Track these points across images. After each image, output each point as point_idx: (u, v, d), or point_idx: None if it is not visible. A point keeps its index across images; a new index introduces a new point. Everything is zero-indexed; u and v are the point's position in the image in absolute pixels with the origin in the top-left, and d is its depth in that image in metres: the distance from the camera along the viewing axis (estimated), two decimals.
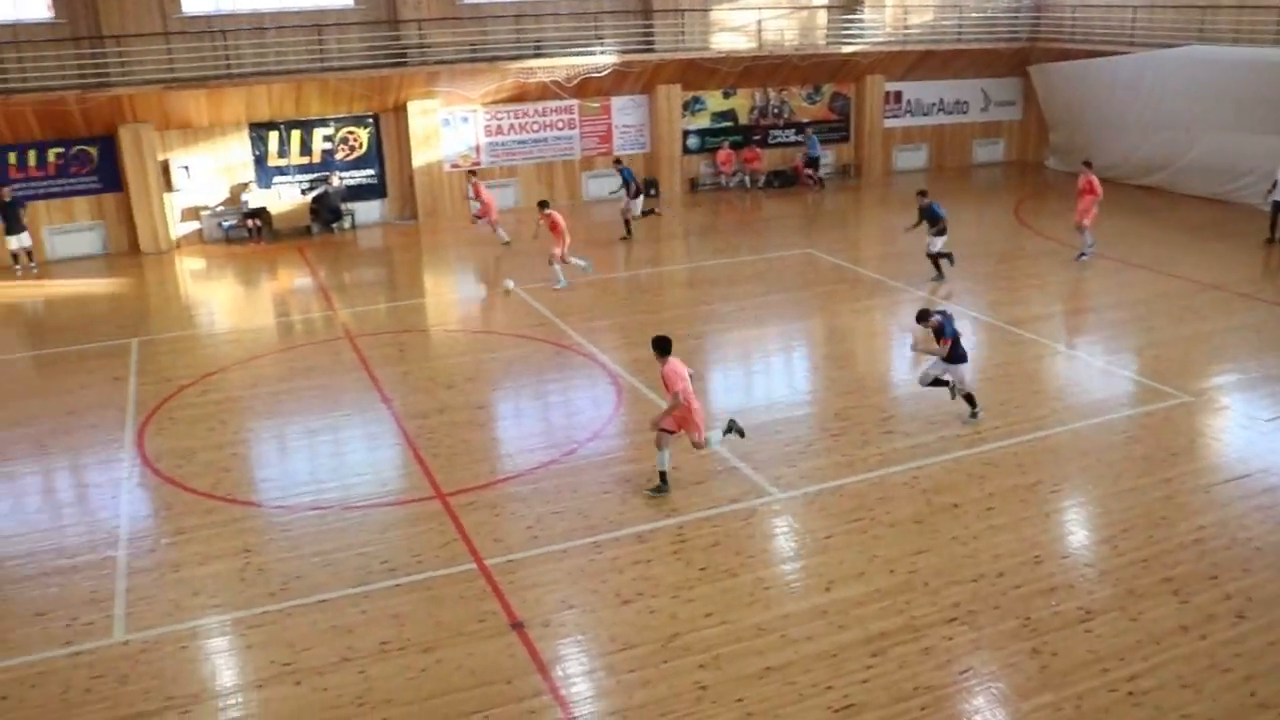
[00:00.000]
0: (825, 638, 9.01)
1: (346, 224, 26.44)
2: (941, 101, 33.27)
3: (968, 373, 13.68)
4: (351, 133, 26.72)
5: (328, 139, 26.48)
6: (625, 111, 29.45)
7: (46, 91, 22.89)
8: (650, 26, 28.22)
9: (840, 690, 8.30)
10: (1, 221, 23.11)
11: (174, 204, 25.40)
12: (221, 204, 25.70)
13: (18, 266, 23.42)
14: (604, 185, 29.27)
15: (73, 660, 9.16)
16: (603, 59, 27.36)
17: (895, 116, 32.74)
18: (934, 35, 31.72)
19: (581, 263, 20.60)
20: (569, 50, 27.37)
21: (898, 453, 12.66)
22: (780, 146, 31.54)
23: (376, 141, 27.07)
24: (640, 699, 8.29)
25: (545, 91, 27.61)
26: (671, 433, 11.53)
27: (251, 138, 25.80)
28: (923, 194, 19.88)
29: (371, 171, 27.16)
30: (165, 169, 24.95)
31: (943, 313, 13.47)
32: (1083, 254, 21.15)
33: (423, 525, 11.22)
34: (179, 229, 25.60)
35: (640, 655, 8.85)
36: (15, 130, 23.46)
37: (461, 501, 11.69)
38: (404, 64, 25.77)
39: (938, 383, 13.54)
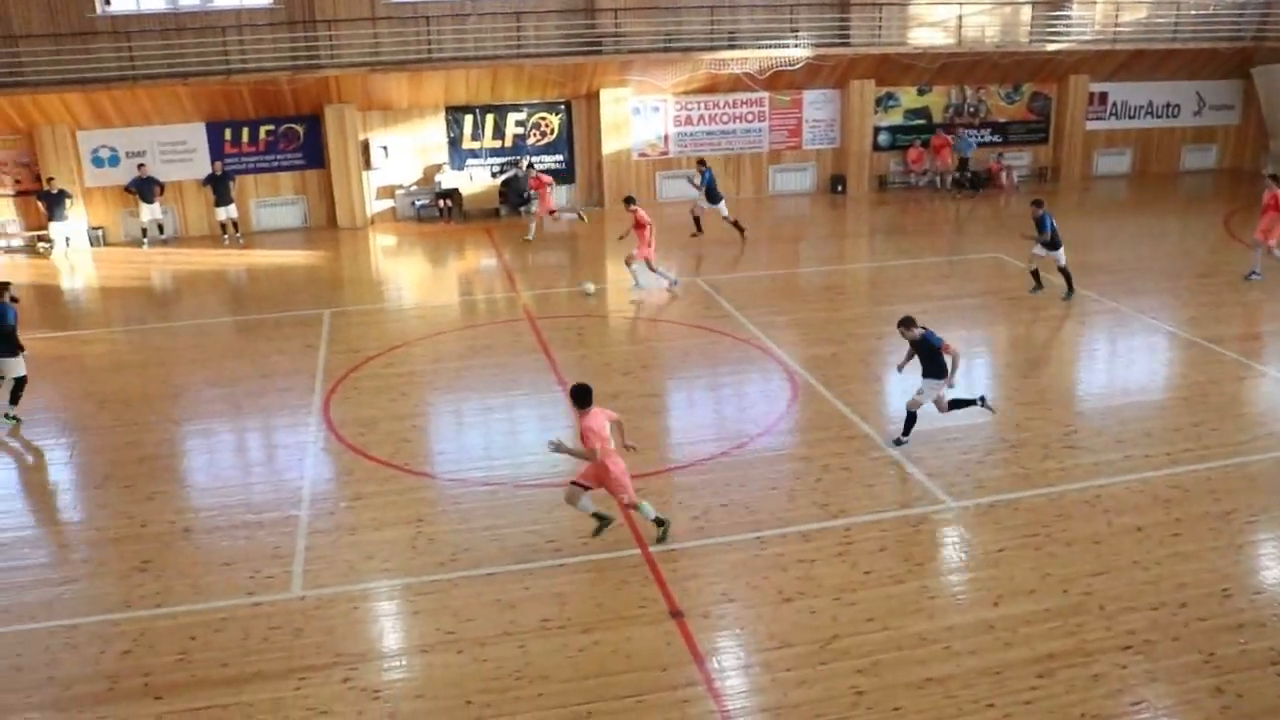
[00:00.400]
0: (990, 653, 8.67)
1: (534, 207, 26.98)
2: (1150, 104, 31.60)
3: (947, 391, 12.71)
4: (543, 118, 27.23)
5: (520, 124, 27.06)
6: (816, 106, 29.10)
7: (261, 72, 24.16)
8: (846, 20, 27.77)
9: (1002, 709, 7.98)
10: (212, 193, 24.57)
11: (371, 182, 26.43)
12: (415, 183, 26.56)
13: (225, 236, 24.83)
14: (790, 180, 29.02)
15: (253, 610, 9.63)
16: (797, 52, 27.07)
17: (1099, 119, 31.30)
18: (1147, 34, 30.15)
19: (670, 276, 19.99)
20: (763, 42, 27.19)
21: (1079, 469, 12.09)
22: (976, 146, 30.57)
23: (567, 128, 27.51)
24: (795, 698, 8.16)
25: (736, 83, 27.52)
26: (586, 488, 10.34)
27: (447, 120, 26.59)
28: (1038, 204, 18.76)
29: (561, 157, 27.62)
30: (365, 148, 25.98)
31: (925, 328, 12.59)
32: (1253, 273, 19.72)
33: None
34: (374, 206, 26.62)
35: (798, 654, 8.71)
36: (232, 108, 24.84)
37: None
38: (598, 52, 26.08)
39: (959, 404, 12.81)
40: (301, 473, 12.44)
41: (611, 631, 9.08)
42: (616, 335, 17.99)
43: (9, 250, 24.73)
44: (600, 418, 10.07)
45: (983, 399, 12.96)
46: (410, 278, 22.21)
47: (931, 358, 12.47)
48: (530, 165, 26.50)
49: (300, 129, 25.72)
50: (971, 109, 30.28)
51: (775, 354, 16.12)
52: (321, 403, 14.56)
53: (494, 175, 27.05)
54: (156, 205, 24.74)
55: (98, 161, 24.90)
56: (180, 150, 25.12)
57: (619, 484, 10.20)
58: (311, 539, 10.84)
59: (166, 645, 9.23)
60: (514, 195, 26.59)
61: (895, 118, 29.86)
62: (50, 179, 24.02)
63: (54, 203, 23.81)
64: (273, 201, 26.07)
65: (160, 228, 25.07)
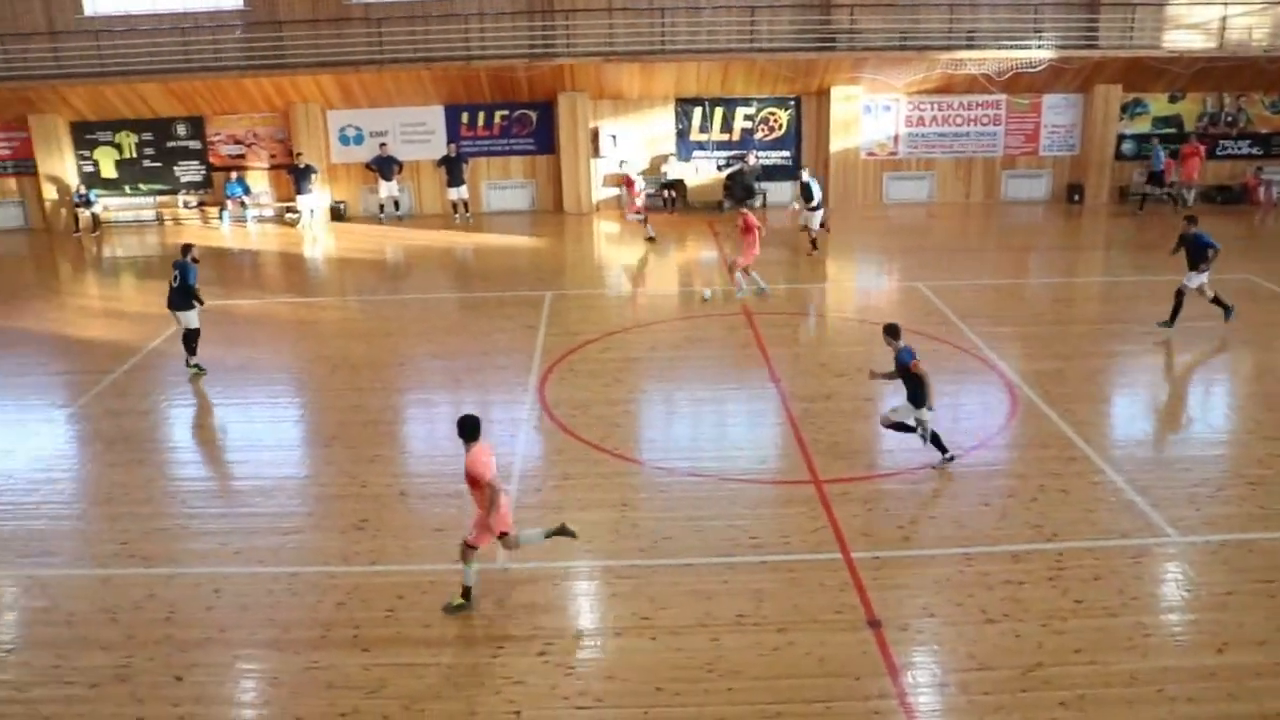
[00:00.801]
0: (1210, 703, 8.06)
1: (757, 203, 26.86)
2: None
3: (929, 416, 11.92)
4: (772, 114, 27.09)
5: (749, 118, 27.00)
6: (1056, 110, 27.82)
7: (500, 59, 24.97)
8: (1094, 20, 26.42)
9: None
10: (446, 174, 25.59)
11: (598, 170, 26.91)
12: (641, 173, 26.90)
13: (455, 216, 25.81)
14: (1023, 187, 27.90)
15: (460, 576, 9.92)
16: (1039, 53, 25.96)
17: None
18: None
19: (760, 284, 19.22)
20: (1003, 42, 26.19)
21: None
22: (1230, 159, 28.56)
23: (796, 124, 27.28)
24: None
25: (973, 84, 26.62)
26: (475, 548, 9.42)
27: (676, 112, 26.79)
28: (1191, 220, 17.01)
29: (787, 153, 27.42)
30: (594, 136, 26.48)
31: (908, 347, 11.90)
32: None
33: (794, 508, 11.19)
34: (599, 193, 27.10)
35: (998, 679, 8.34)
36: (470, 93, 25.77)
37: (836, 490, 11.54)
38: (831, 49, 25.75)
39: (901, 427, 12.04)
40: (513, 449, 12.78)
41: (806, 634, 8.94)
42: (833, 336, 17.72)
43: (261, 219, 26.43)
44: (487, 451, 9.27)
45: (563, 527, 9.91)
46: (631, 265, 22.51)
47: (905, 378, 11.81)
48: (622, 163, 26.38)
49: (533, 115, 26.44)
50: (1229, 118, 28.31)
51: (996, 365, 15.52)
52: (537, 382, 14.92)
53: (719, 168, 27.10)
54: (394, 183, 25.96)
55: (344, 140, 26.33)
56: (420, 131, 26.26)
57: (502, 520, 9.33)
58: (518, 514, 11.06)
59: (377, 601, 9.65)
60: (738, 189, 26.55)
61: (1142, 125, 28.22)
62: (299, 154, 25.55)
63: (301, 177, 25.31)
64: (503, 184, 26.92)
65: (396, 204, 26.28)
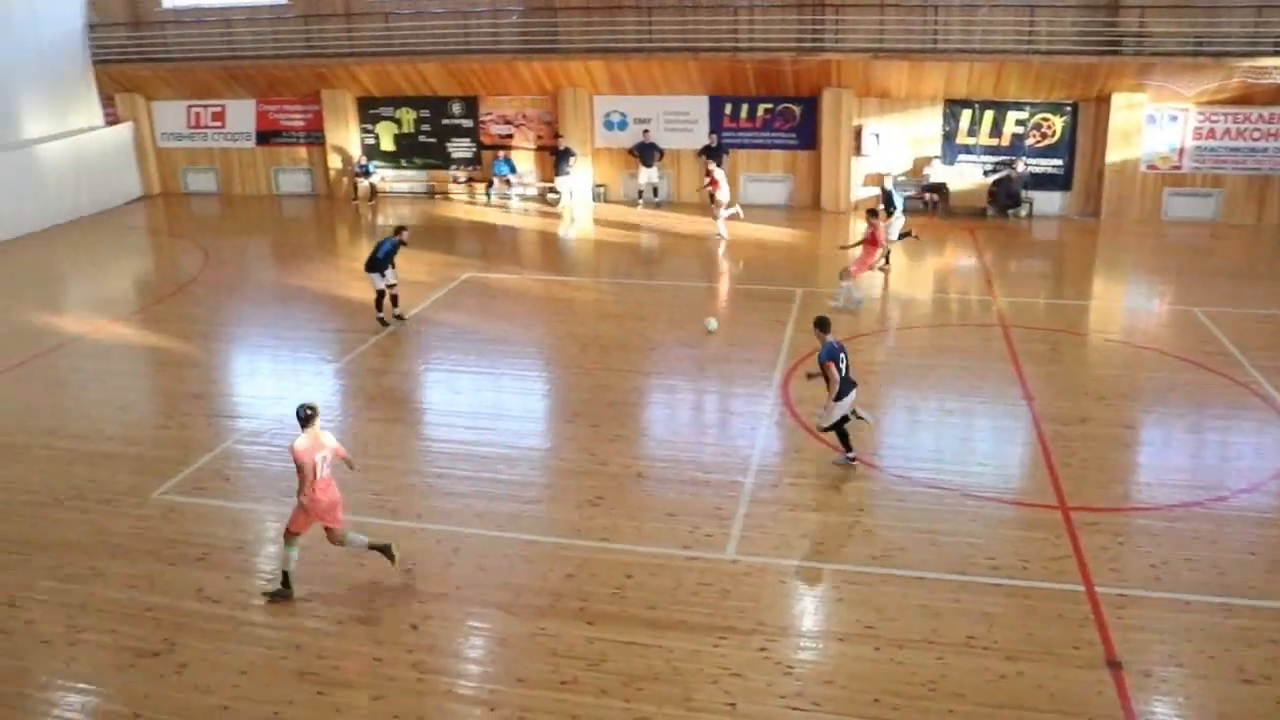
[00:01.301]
0: None
1: (1023, 211, 25.77)
2: None
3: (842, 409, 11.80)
4: (1046, 119, 25.87)
5: (1020, 123, 25.88)
6: None
7: (767, 52, 24.91)
8: None
9: None
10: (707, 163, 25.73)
11: (858, 168, 26.45)
12: (903, 174, 26.26)
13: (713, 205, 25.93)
14: None
15: (688, 562, 10.02)
16: None
17: None
18: None
19: (855, 296, 18.11)
20: None
21: None
22: None
23: (1071, 131, 25.95)
24: None
25: (1277, 95, 24.55)
26: (295, 533, 9.60)
27: (944, 113, 25.97)
28: None
29: (1059, 161, 26.13)
30: (857, 134, 26.03)
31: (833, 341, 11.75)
32: None
33: (1037, 532, 10.67)
34: (858, 192, 26.64)
35: None
36: (735, 84, 25.84)
37: (1084, 519, 10.93)
38: (1116, 53, 24.33)
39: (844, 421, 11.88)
40: (752, 442, 12.75)
41: (1038, 665, 8.51)
42: (1094, 357, 16.78)
43: (524, 198, 27.38)
44: (311, 442, 9.45)
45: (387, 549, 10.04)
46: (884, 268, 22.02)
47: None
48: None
49: (797, 110, 26.25)
50: None
51: (1277, 403, 14.31)
52: (781, 378, 14.83)
53: (985, 174, 26.12)
54: (654, 170, 26.36)
55: (608, 125, 26.94)
56: (682, 120, 26.54)
57: (331, 515, 9.62)
58: (752, 507, 11.09)
59: (605, 577, 9.85)
60: (1004, 196, 25.55)
61: None
62: (559, 136, 26.34)
63: (561, 159, 26.08)
64: (762, 177, 26.86)
65: (655, 191, 26.69)
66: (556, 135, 26.56)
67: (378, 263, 17.16)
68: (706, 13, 25.42)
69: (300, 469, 9.41)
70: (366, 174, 28.17)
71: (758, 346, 16.14)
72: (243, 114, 29.51)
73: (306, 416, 9.67)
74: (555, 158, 26.29)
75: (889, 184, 21.48)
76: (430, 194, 28.49)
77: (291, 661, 8.84)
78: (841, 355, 11.74)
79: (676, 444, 12.81)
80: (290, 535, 9.68)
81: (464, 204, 27.64)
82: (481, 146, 28.05)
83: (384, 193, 28.46)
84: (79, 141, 27.76)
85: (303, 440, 9.50)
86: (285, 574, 9.79)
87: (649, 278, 20.52)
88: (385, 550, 9.93)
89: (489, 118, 27.78)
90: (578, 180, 26.70)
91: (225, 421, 14.16)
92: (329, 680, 8.58)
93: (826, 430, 12.02)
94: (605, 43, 25.63)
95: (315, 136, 29.03)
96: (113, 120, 29.61)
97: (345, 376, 15.50)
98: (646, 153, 26.15)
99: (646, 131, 26.29)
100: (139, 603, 9.81)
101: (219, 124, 29.86)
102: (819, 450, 12.46)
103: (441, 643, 9.09)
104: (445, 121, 28.07)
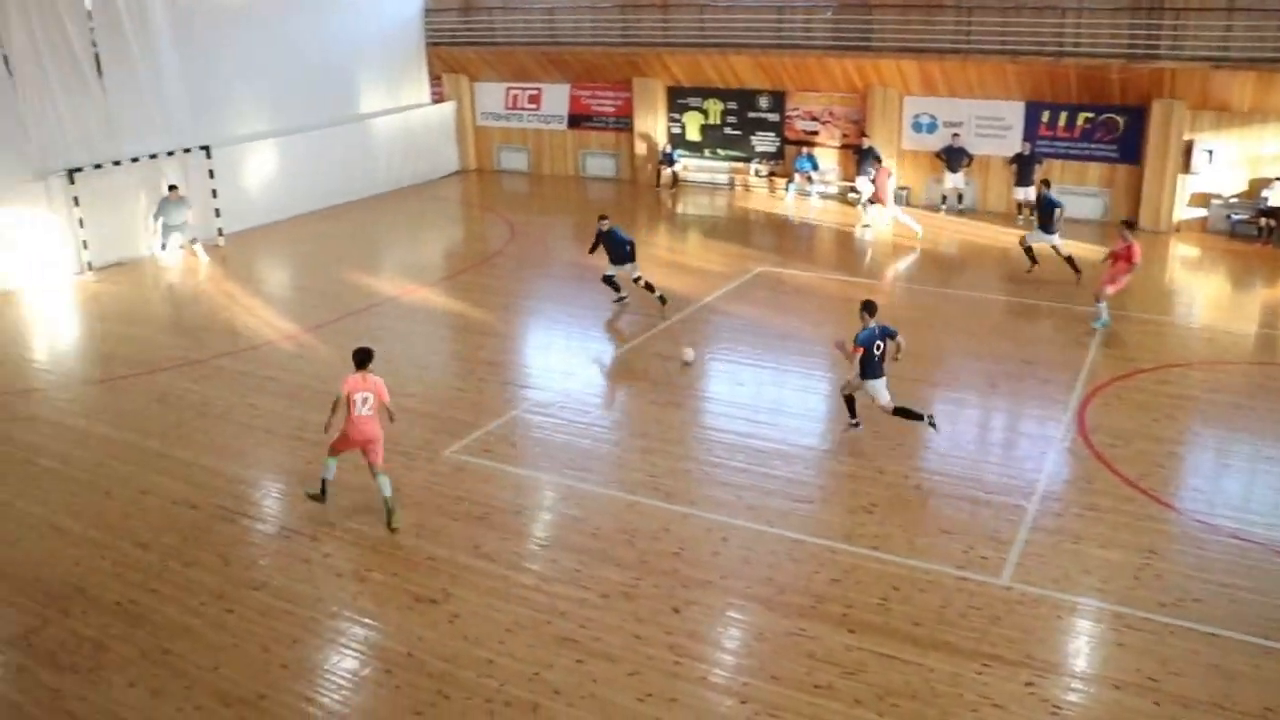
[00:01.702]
0: None
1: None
2: None
3: (883, 391, 12.63)
4: None
5: None
6: None
7: (1092, 58, 23.53)
8: None
9: None
10: (1015, 172, 24.62)
11: (1186, 187, 24.61)
12: (1236, 196, 24.24)
13: (1019, 217, 24.83)
14: None
15: (958, 583, 9.69)
16: None
17: None
18: None
19: (1104, 316, 16.86)
20: None
21: None
22: None
23: None
24: None
25: None
26: (337, 450, 11.20)
27: None
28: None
29: None
30: (1187, 150, 24.20)
31: (879, 325, 12.50)
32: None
33: None
34: (1182, 213, 24.80)
35: None
36: (1055, 91, 24.57)
37: None
38: None
39: (850, 400, 13.00)
40: (1040, 466, 12.16)
41: None
42: None
43: (824, 196, 27.16)
44: (351, 377, 10.86)
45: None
46: (1206, 295, 20.40)
47: (866, 356, 12.40)
48: (878, 159, 24.26)
49: (1121, 120, 24.68)
50: None
51: None
52: (1079, 403, 14.02)
53: None
54: (960, 175, 25.49)
55: (917, 127, 26.26)
56: (994, 126, 25.52)
57: (369, 450, 11.00)
58: (1033, 534, 10.59)
59: (871, 587, 9.67)
60: None
61: None
62: (865, 136, 25.89)
63: (863, 158, 25.63)
64: (1075, 190, 25.43)
65: (960, 197, 25.82)
66: (862, 134, 26.16)
67: (629, 254, 17.65)
68: (1030, 14, 24.27)
69: (338, 400, 10.84)
70: (671, 162, 28.76)
71: (1056, 366, 15.34)
72: (557, 98, 30.81)
73: (360, 359, 11.02)
74: (858, 157, 25.89)
75: (1047, 191, 20.31)
76: (730, 185, 28.76)
77: (555, 627, 9.19)
78: (876, 343, 12.47)
79: (959, 460, 12.38)
80: (333, 450, 11.20)
81: (763, 197, 27.73)
82: (785, 141, 28.04)
83: (685, 182, 28.97)
84: (407, 117, 30.03)
85: (353, 378, 10.90)
86: (323, 481, 11.33)
87: (945, 285, 19.88)
88: (318, 493, 11.32)
89: (795, 113, 27.71)
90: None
91: (516, 390, 14.87)
92: (589, 650, 8.86)
93: (896, 411, 12.68)
94: (920, 42, 25.00)
95: (624, 123, 29.92)
96: (438, 99, 31.73)
97: (632, 358, 15.91)
98: (954, 157, 25.33)
99: (956, 135, 25.45)
100: (422, 551, 10.48)
101: (534, 106, 31.30)
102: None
103: (701, 629, 9.21)
104: (751, 115, 28.23)
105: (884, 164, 24.31)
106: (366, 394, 10.84)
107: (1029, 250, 19.97)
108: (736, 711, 8.12)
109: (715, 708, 8.19)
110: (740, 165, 28.73)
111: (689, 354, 15.72)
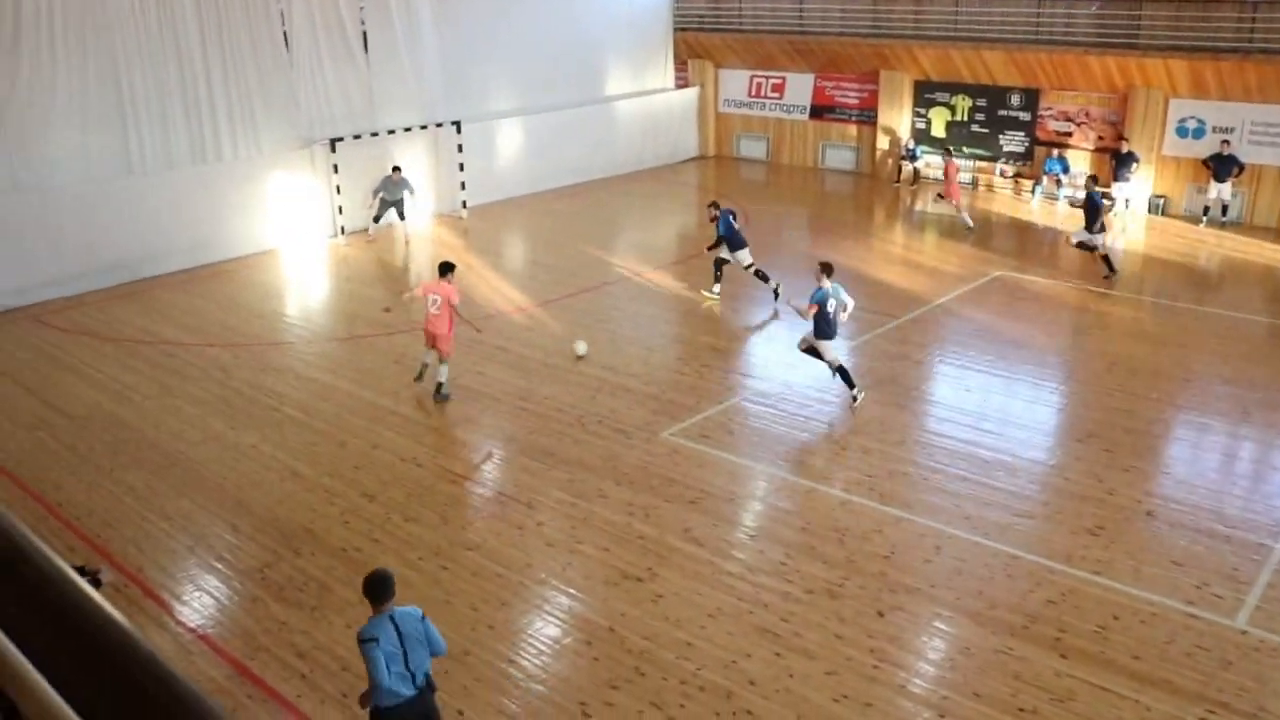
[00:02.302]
0: None
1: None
2: None
3: (836, 351, 13.76)
4: None
5: None
6: None
7: None
8: None
9: None
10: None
11: None
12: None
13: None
14: None
15: (1186, 620, 9.09)
16: None
17: None
18: None
19: None
20: None
21: None
22: None
23: None
24: None
25: None
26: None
27: None
28: None
29: None
30: None
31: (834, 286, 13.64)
32: None
33: None
34: None
35: None
36: None
37: None
38: None
39: (812, 351, 13.84)
40: None
41: None
42: None
43: (1074, 202, 25.85)
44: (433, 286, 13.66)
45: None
46: None
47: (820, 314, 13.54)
48: (949, 151, 24.47)
49: None
50: None
51: None
52: None
53: None
54: (1228, 185, 23.74)
55: (1181, 131, 24.61)
56: (1271, 133, 23.63)
57: (437, 344, 13.62)
58: (1278, 578, 9.80)
59: (1089, 613, 9.20)
60: None
61: None
62: (1124, 139, 24.46)
63: (1121, 163, 24.25)
64: None
65: (1224, 209, 24.09)
66: (1120, 138, 24.73)
67: (742, 240, 18.12)
68: None
69: (412, 296, 14.32)
70: (913, 158, 28.05)
71: None
72: (801, 87, 30.52)
73: (442, 269, 13.76)
74: (1115, 162, 24.52)
75: (1092, 189, 19.40)
76: (974, 185, 27.80)
77: (757, 617, 9.16)
78: (830, 302, 13.56)
79: (1198, 489, 11.58)
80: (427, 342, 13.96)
81: (1008, 199, 26.69)
82: (1036, 142, 26.83)
83: (926, 179, 28.20)
84: (651, 101, 30.48)
85: (428, 283, 13.88)
86: (422, 365, 13.99)
87: (1199, 303, 18.60)
88: (438, 390, 13.80)
89: (1048, 113, 26.48)
90: (1136, 188, 24.75)
91: (739, 377, 14.88)
92: (788, 645, 8.79)
93: (838, 370, 13.72)
94: (1194, 40, 23.41)
95: (867, 115, 29.36)
96: (683, 84, 32.01)
97: (858, 355, 15.64)
98: (1223, 166, 23.59)
99: (1226, 142, 23.70)
100: (633, 530, 10.64)
101: (777, 95, 31.12)
102: None
103: (904, 636, 8.99)
104: (1001, 112, 27.15)
105: (953, 158, 24.02)
106: (436, 296, 13.42)
107: None
108: None
109: (911, 718, 7.98)
110: (985, 165, 27.72)
111: (581, 347, 15.50)
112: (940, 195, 23.90)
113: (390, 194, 22.25)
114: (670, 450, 12.44)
